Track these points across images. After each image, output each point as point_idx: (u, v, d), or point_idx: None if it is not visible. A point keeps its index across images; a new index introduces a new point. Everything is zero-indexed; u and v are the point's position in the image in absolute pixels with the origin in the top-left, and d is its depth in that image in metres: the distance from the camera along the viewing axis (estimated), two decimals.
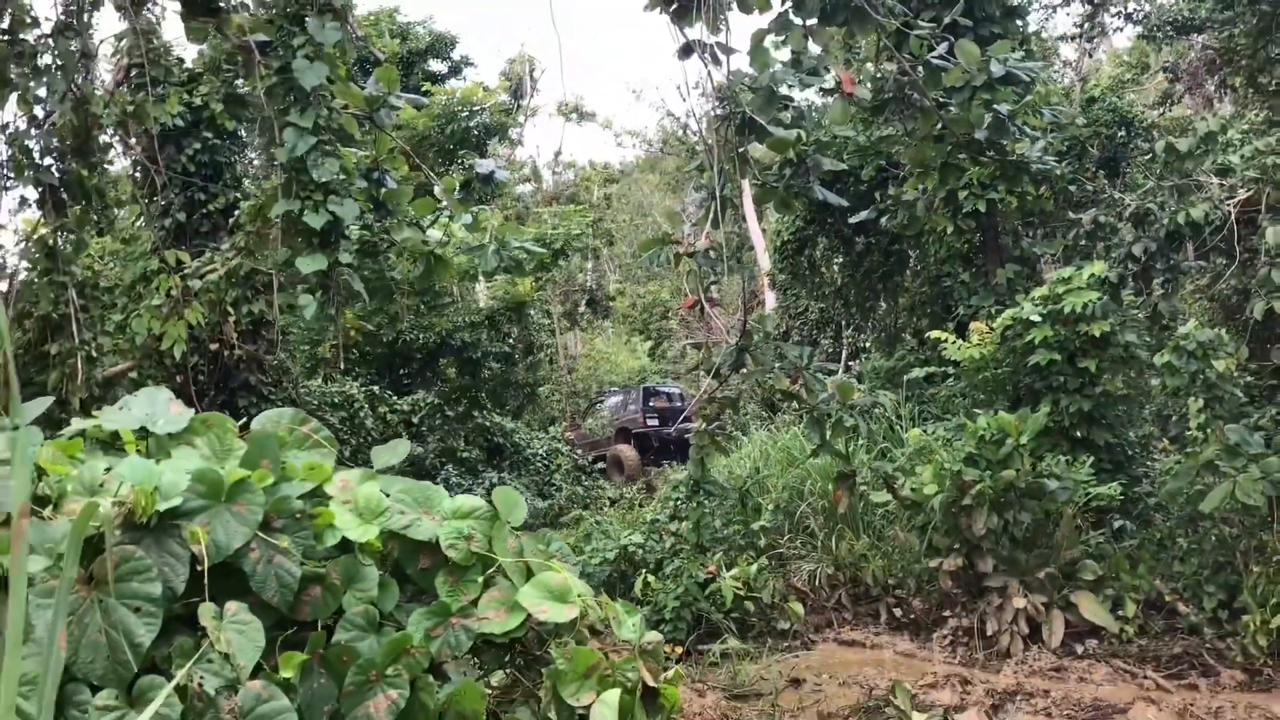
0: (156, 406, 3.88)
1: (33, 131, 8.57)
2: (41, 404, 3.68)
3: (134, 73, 13.11)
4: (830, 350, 23.12)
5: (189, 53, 14.73)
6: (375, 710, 3.37)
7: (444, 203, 8.47)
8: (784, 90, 8.18)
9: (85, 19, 9.16)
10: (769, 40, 7.68)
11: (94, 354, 9.73)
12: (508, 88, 30.43)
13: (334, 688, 3.39)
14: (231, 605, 3.25)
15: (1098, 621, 9.46)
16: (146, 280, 11.79)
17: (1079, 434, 10.98)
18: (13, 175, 8.61)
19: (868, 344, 21.97)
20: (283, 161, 7.04)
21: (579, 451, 24.34)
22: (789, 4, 7.43)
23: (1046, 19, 29.55)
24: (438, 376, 22.54)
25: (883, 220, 13.68)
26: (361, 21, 24.44)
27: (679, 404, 25.86)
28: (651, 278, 42.24)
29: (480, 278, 19.64)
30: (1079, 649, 9.31)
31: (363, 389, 19.27)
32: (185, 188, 14.34)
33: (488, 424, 21.08)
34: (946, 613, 10.22)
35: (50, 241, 9.10)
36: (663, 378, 32.13)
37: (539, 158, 50.62)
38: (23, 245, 9.60)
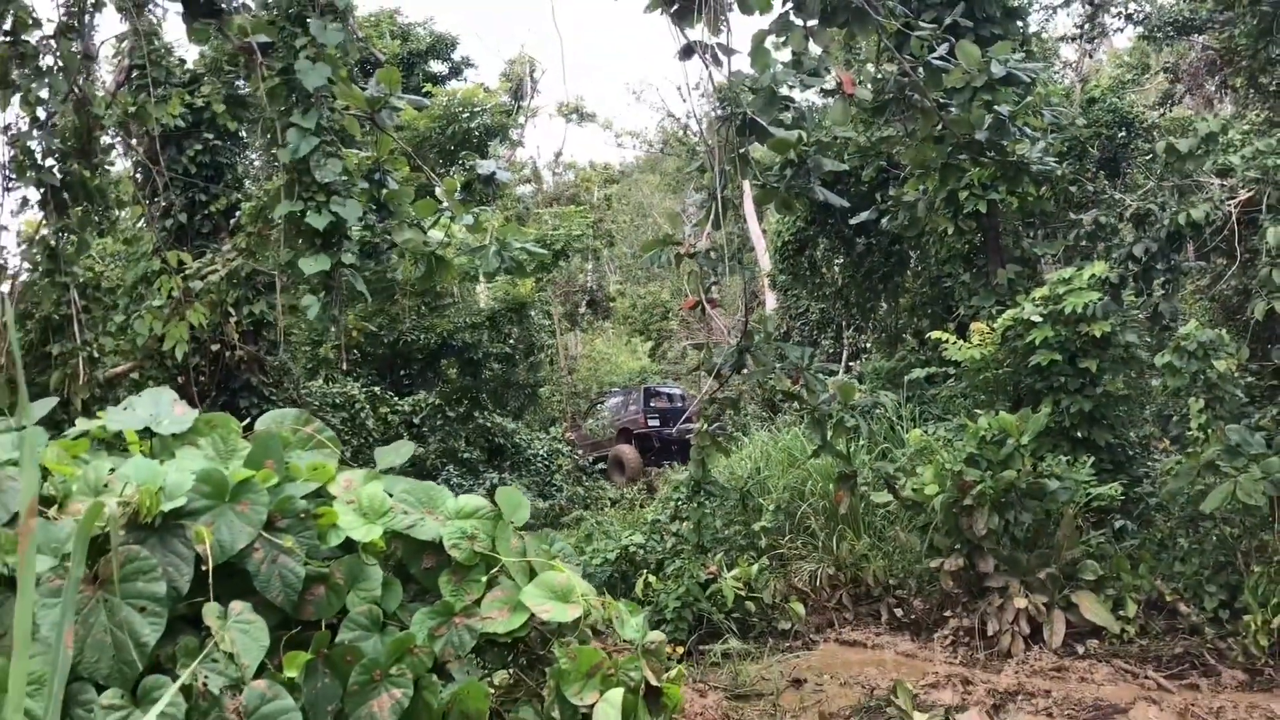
0: (161, 407, 3.89)
1: (35, 132, 8.58)
2: (46, 404, 3.69)
3: (135, 74, 13.14)
4: (831, 351, 23.12)
5: (190, 54, 14.76)
6: (379, 709, 3.38)
7: (445, 204, 8.48)
8: (785, 91, 8.20)
9: (87, 20, 9.18)
10: (770, 41, 7.70)
11: (96, 355, 9.73)
12: (508, 89, 30.45)
13: (338, 687, 3.40)
14: (236, 605, 3.26)
15: (1099, 621, 9.46)
16: (148, 281, 11.79)
17: (1080, 434, 10.99)
18: (15, 176, 8.61)
19: (868, 344, 21.97)
20: (285, 162, 7.05)
21: (580, 452, 24.35)
22: (790, 5, 7.45)
23: (1047, 20, 29.61)
24: (439, 377, 22.55)
25: (883, 221, 13.70)
26: (362, 23, 24.47)
27: (680, 405, 25.87)
28: (652, 278, 42.25)
29: (481, 278, 19.63)
30: (1080, 649, 9.32)
31: (364, 390, 19.29)
32: (186, 189, 14.36)
33: (489, 425, 21.09)
34: (947, 613, 10.23)
35: (52, 242, 9.10)
36: (663, 378, 32.14)
37: (539, 159, 50.65)
38: (24, 246, 9.60)
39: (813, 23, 7.47)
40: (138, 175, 13.73)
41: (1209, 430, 9.37)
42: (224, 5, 8.29)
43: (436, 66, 29.70)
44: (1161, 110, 21.53)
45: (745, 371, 10.25)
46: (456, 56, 30.12)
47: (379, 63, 11.38)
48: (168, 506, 3.28)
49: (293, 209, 6.99)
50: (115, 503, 3.23)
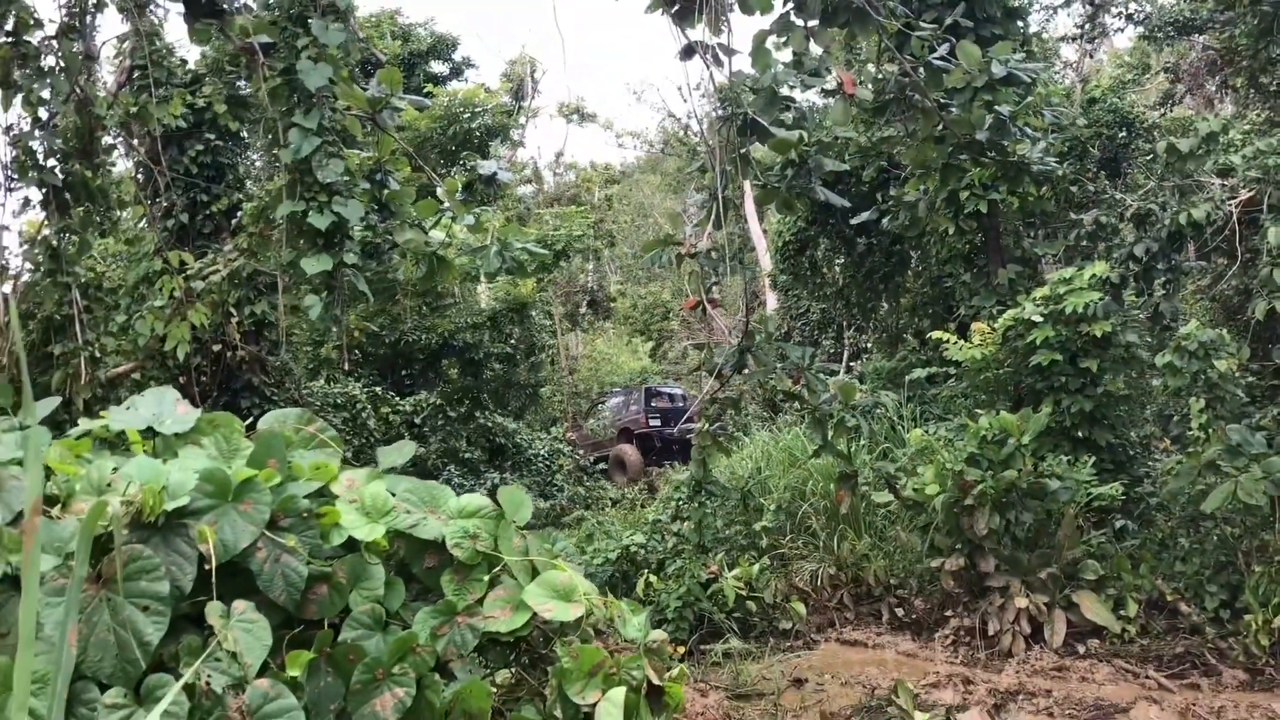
0: (163, 406, 3.90)
1: (37, 133, 8.59)
2: (49, 404, 3.70)
3: (137, 74, 13.16)
4: (832, 351, 23.13)
5: (192, 54, 14.77)
6: (381, 708, 3.38)
7: (446, 204, 8.49)
8: (786, 91, 8.21)
9: (88, 21, 9.19)
10: (770, 41, 7.70)
11: (97, 355, 9.75)
12: (509, 89, 30.46)
13: (340, 686, 3.40)
14: (239, 604, 3.27)
15: (1099, 621, 9.47)
16: (149, 281, 11.80)
17: (1081, 434, 10.99)
18: (17, 176, 8.62)
19: (869, 344, 21.97)
20: (287, 162, 7.06)
21: (581, 452, 24.35)
22: (790, 5, 7.45)
23: (1047, 20, 29.61)
24: (440, 377, 22.56)
25: (884, 221, 13.72)
26: (363, 23, 24.48)
27: (681, 404, 25.88)
28: (653, 279, 42.25)
29: (482, 279, 19.65)
30: (1081, 649, 9.32)
31: (365, 390, 19.29)
32: (188, 189, 14.37)
33: (490, 424, 21.10)
34: (948, 612, 10.23)
35: (54, 243, 9.11)
36: (664, 379, 32.15)
37: (540, 159, 50.72)
38: (26, 247, 9.61)
39: (813, 23, 7.48)
40: (139, 175, 13.75)
41: (1210, 430, 9.38)
42: (225, 5, 8.31)
43: (437, 67, 29.72)
44: (1162, 110, 21.54)
45: (746, 371, 10.26)
46: (457, 57, 30.15)
47: (380, 63, 11.38)
48: (171, 506, 3.29)
49: (295, 209, 6.99)
50: (118, 502, 3.23)
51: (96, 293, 10.20)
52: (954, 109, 8.29)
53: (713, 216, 9.17)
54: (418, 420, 20.15)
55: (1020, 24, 14.98)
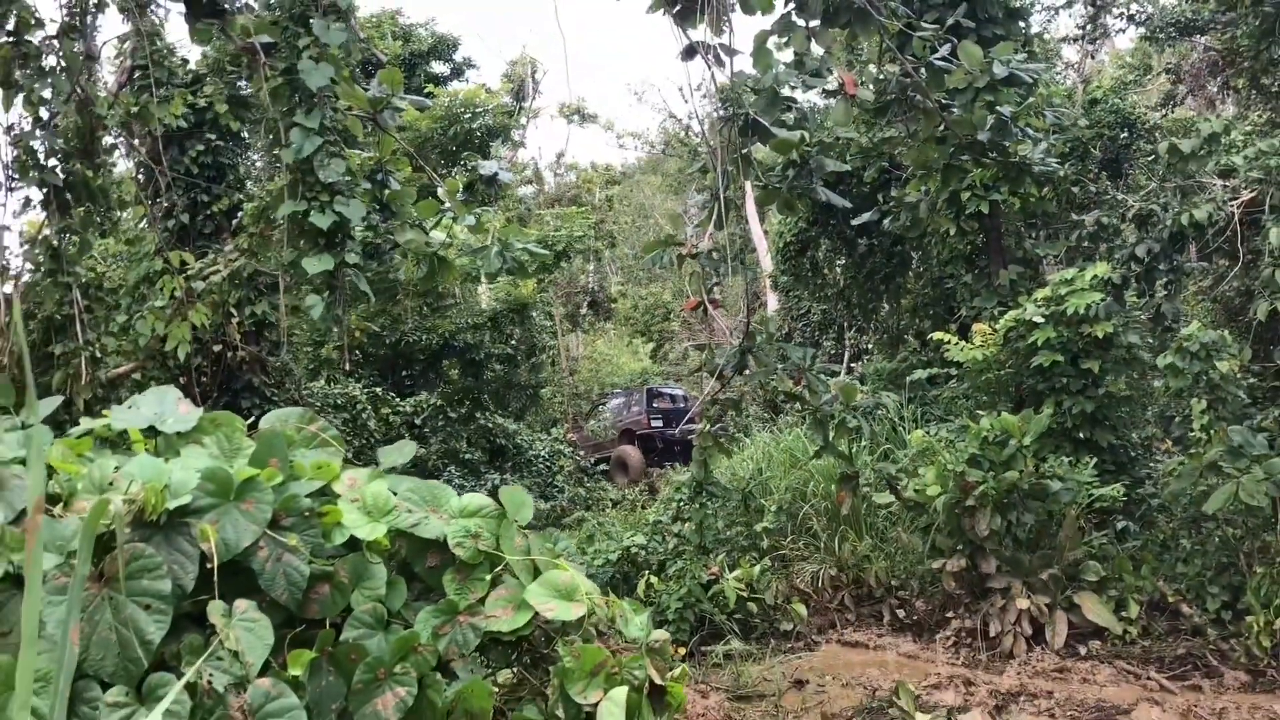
0: (165, 405, 3.90)
1: (38, 133, 8.59)
2: (51, 403, 3.69)
3: (138, 74, 13.17)
4: (832, 352, 23.13)
5: (193, 54, 14.77)
6: (383, 708, 3.38)
7: (447, 204, 8.48)
8: (787, 92, 8.20)
9: (89, 21, 9.19)
10: (772, 42, 7.71)
11: (98, 355, 9.74)
12: (510, 89, 30.46)
13: (342, 685, 3.40)
14: (240, 603, 3.26)
15: (1101, 622, 9.46)
16: (150, 281, 11.80)
17: (1082, 435, 10.99)
18: (18, 176, 8.62)
19: (870, 345, 21.97)
20: (289, 162, 7.06)
21: (581, 453, 24.34)
22: (792, 6, 7.45)
23: (1049, 21, 29.64)
24: (440, 378, 22.56)
25: (885, 222, 13.71)
26: (364, 24, 24.49)
27: (683, 405, 25.87)
28: (653, 279, 42.26)
29: (483, 279, 19.65)
30: (1082, 650, 9.32)
31: (365, 390, 19.29)
32: (189, 189, 14.37)
33: (490, 425, 21.09)
34: (950, 614, 10.23)
35: (55, 242, 9.11)
36: (665, 380, 32.14)
37: (541, 160, 50.74)
38: (27, 246, 9.61)
39: (815, 23, 7.48)
40: (140, 175, 13.76)
41: (1211, 431, 9.38)
42: (226, 5, 8.31)
43: (438, 67, 29.73)
44: (1164, 111, 21.53)
45: (747, 372, 10.25)
46: (458, 57, 30.15)
47: (381, 64, 11.38)
48: (173, 504, 3.28)
49: (296, 209, 6.99)
50: (120, 500, 3.23)
51: (97, 293, 10.20)
52: (955, 109, 8.29)
53: (714, 217, 9.17)
54: (418, 421, 20.15)
55: (1022, 24, 14.97)
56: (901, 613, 10.83)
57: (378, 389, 19.90)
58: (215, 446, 3.81)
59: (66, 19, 8.69)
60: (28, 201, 9.12)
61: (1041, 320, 11.10)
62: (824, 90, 8.56)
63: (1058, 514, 10.06)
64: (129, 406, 3.93)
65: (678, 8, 7.66)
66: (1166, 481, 10.39)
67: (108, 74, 14.06)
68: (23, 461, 3.35)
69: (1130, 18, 23.31)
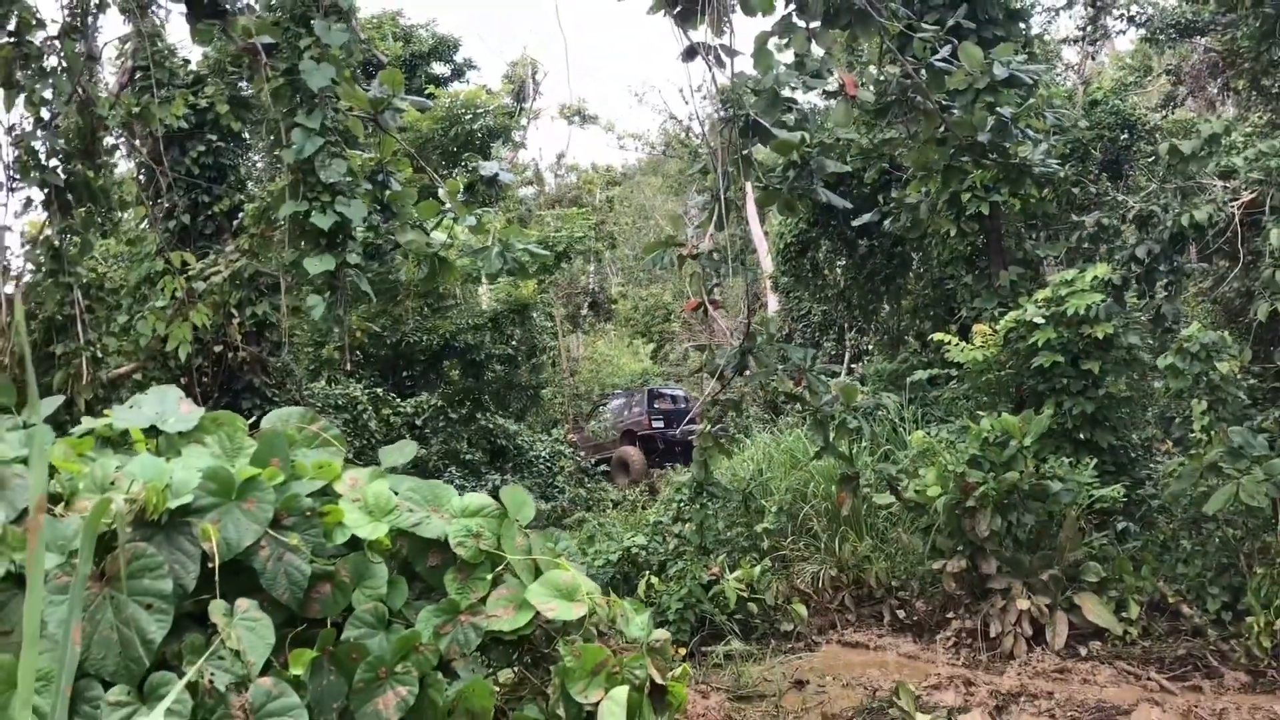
0: (166, 405, 3.90)
1: (39, 133, 8.58)
2: (53, 402, 3.70)
3: (139, 75, 13.17)
4: (833, 353, 23.12)
5: (194, 55, 14.77)
6: (384, 707, 3.38)
7: (448, 205, 8.49)
8: (787, 93, 8.20)
9: (91, 21, 9.20)
10: (772, 43, 7.70)
11: (99, 355, 9.75)
12: (510, 90, 30.46)
13: (343, 685, 3.40)
14: (242, 602, 3.26)
15: (1101, 623, 9.46)
16: (151, 282, 11.81)
17: (1082, 436, 10.99)
18: (19, 176, 8.62)
19: (870, 346, 21.97)
20: (290, 162, 7.06)
21: (582, 454, 24.34)
22: (792, 7, 7.45)
23: (1049, 22, 29.64)
24: (441, 379, 22.56)
25: (886, 223, 13.73)
26: (365, 25, 24.49)
27: (684, 406, 25.86)
28: (654, 280, 42.26)
29: (483, 280, 19.65)
30: (1082, 651, 9.32)
31: (366, 391, 19.29)
32: (190, 190, 14.37)
33: (491, 426, 21.09)
34: (950, 614, 10.23)
35: (56, 243, 9.11)
36: (665, 380, 32.14)
37: (541, 161, 50.76)
38: (28, 247, 9.62)
39: (815, 24, 7.48)
40: (141, 176, 13.76)
41: (1211, 432, 9.38)
42: (228, 6, 8.31)
43: (439, 68, 29.72)
44: (1164, 112, 21.53)
45: (748, 373, 10.25)
46: (459, 58, 30.14)
47: (382, 65, 11.39)
48: (174, 504, 3.29)
49: (297, 209, 6.99)
50: (122, 500, 3.23)
51: (98, 293, 10.20)
52: (956, 111, 8.29)
53: (714, 218, 9.17)
54: (419, 422, 20.15)
55: (1022, 26, 14.98)
56: (902, 613, 10.83)
57: (378, 390, 19.91)
58: (217, 446, 3.81)
59: (68, 19, 8.69)
60: (29, 202, 9.12)
61: (1042, 321, 11.11)
62: (824, 91, 8.56)
63: (1058, 515, 10.06)
64: (130, 406, 3.94)
65: (678, 9, 7.66)
66: (1167, 482, 10.40)
67: (109, 75, 14.06)
68: (24, 461, 3.35)
69: (1130, 19, 23.31)
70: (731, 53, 7.82)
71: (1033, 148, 9.49)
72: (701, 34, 7.71)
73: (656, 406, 26.15)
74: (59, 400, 3.83)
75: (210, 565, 3.26)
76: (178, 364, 11.44)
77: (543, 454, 21.78)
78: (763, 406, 20.11)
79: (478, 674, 3.67)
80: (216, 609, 3.21)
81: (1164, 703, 8.06)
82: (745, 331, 9.93)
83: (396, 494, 3.80)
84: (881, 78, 8.97)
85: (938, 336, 13.49)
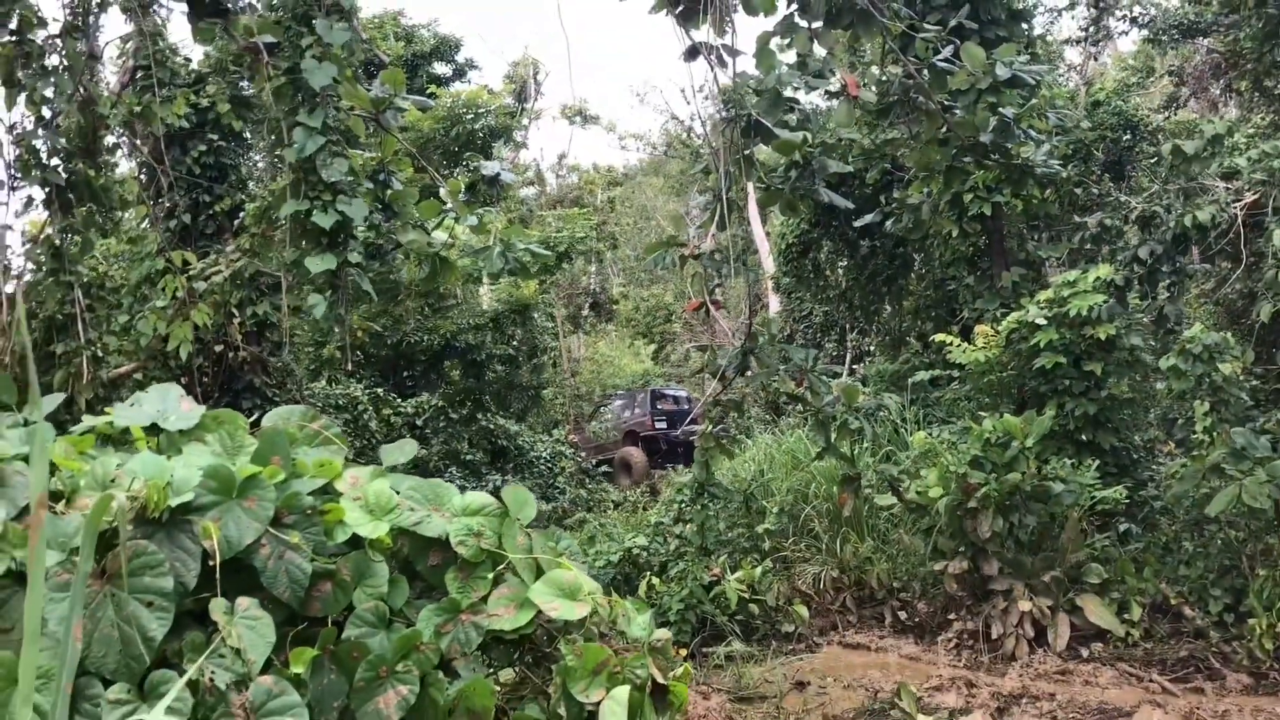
0: (168, 403, 3.90)
1: (40, 132, 8.58)
2: (54, 400, 3.69)
3: (140, 74, 13.16)
4: (834, 353, 23.10)
5: (195, 54, 14.77)
6: (385, 706, 3.37)
7: (449, 205, 8.48)
8: (789, 93, 8.19)
9: (92, 20, 9.19)
10: (774, 43, 7.69)
11: (99, 354, 9.74)
12: (512, 90, 30.46)
13: (344, 683, 3.39)
14: (243, 601, 3.26)
15: (1103, 625, 9.45)
16: (152, 281, 11.80)
17: (1084, 437, 10.98)
18: (20, 175, 8.62)
19: (872, 347, 21.95)
20: (292, 161, 7.05)
21: (583, 454, 24.33)
22: (794, 7, 7.44)
23: (1052, 23, 29.62)
24: (442, 379, 22.55)
25: (888, 223, 13.72)
26: (366, 25, 24.50)
27: (686, 407, 25.84)
28: (655, 281, 42.23)
29: (484, 280, 19.64)
30: (1084, 652, 9.30)
31: (367, 391, 19.27)
32: (191, 189, 14.36)
33: (491, 426, 21.07)
34: (951, 616, 10.22)
35: (56, 242, 9.10)
36: (666, 381, 32.13)
37: (543, 161, 50.72)
38: (29, 246, 9.61)
39: (817, 24, 7.47)
40: (142, 175, 13.76)
41: (1214, 433, 9.36)
42: (229, 5, 8.31)
43: (440, 68, 29.72)
44: (1166, 114, 21.52)
45: (749, 374, 10.24)
46: (460, 58, 30.14)
47: (383, 65, 11.39)
48: (175, 502, 3.28)
49: (299, 208, 6.99)
50: (123, 497, 3.22)
51: (99, 292, 10.20)
52: (958, 111, 8.28)
53: (716, 218, 9.15)
54: (419, 422, 20.13)
55: (1025, 26, 14.96)
56: (903, 614, 10.82)
57: (379, 390, 19.89)
58: (217, 444, 3.81)
59: (69, 18, 8.69)
60: (30, 201, 9.12)
61: (1044, 322, 11.09)
62: (827, 91, 8.57)
63: (1060, 516, 10.04)
64: (131, 404, 3.93)
65: (680, 8, 7.65)
66: (1169, 484, 10.38)
67: (110, 74, 14.05)
68: (25, 458, 3.34)
69: (1133, 20, 23.31)
70: (733, 53, 7.81)
71: (1035, 148, 9.47)
72: (704, 34, 7.71)
73: (659, 407, 26.12)
74: (60, 398, 3.83)
75: (211, 563, 3.25)
76: (178, 363, 11.43)
77: (544, 455, 21.76)
78: (764, 407, 20.11)
79: (479, 673, 3.66)
80: (217, 607, 3.20)
81: (1166, 704, 8.04)
82: (747, 332, 9.91)
83: (397, 493, 3.79)
84: (884, 78, 8.96)
85: (939, 337, 13.48)
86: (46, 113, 8.54)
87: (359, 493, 3.71)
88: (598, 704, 3.51)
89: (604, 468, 24.63)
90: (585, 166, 42.55)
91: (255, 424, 4.07)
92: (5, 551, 3.09)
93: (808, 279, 20.23)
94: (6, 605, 3.08)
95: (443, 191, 8.78)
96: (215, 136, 14.62)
